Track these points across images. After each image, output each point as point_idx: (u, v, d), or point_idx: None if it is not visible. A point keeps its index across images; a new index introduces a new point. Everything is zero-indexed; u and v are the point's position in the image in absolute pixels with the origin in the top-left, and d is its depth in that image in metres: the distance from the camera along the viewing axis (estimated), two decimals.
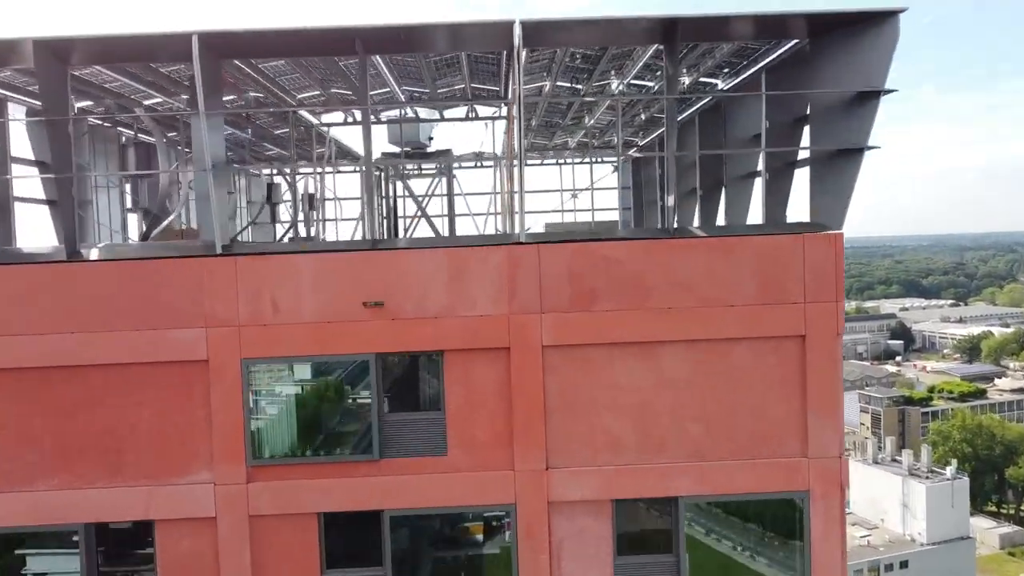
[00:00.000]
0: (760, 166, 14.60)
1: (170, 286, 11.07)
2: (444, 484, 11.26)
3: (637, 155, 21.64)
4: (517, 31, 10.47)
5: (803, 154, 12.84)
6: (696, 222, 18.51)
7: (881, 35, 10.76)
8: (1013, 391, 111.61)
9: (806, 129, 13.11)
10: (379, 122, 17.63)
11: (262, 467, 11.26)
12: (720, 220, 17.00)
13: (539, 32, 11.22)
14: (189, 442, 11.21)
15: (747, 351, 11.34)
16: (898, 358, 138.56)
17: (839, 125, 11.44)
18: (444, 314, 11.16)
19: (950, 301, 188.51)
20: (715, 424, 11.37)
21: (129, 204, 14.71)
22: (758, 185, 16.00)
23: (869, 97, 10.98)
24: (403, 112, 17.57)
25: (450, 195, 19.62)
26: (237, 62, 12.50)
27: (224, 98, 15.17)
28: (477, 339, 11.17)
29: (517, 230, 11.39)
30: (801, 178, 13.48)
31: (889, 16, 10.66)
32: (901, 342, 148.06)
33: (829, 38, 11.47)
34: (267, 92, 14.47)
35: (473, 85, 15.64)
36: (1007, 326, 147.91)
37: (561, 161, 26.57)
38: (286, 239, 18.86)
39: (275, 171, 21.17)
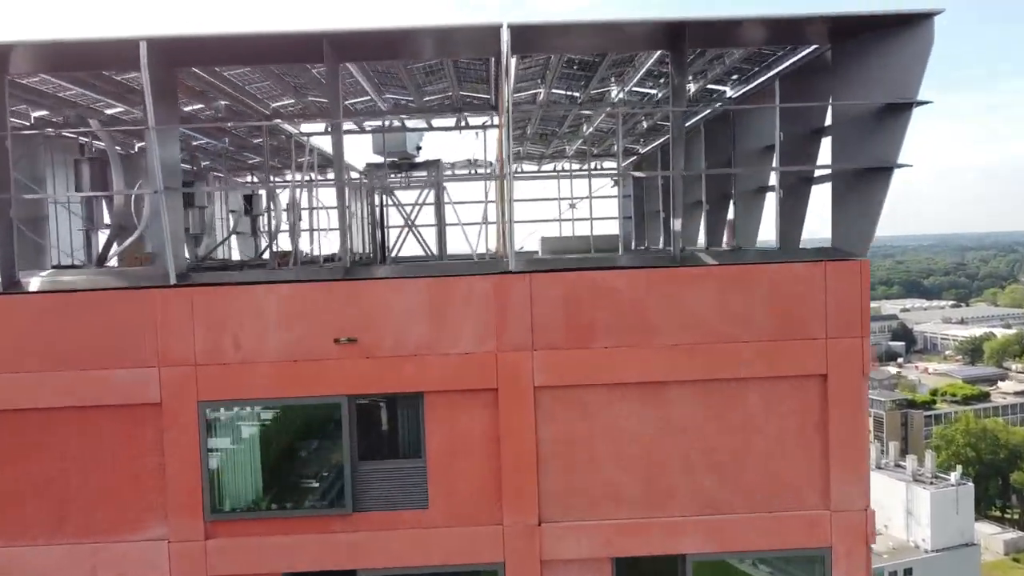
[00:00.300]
0: (773, 181, 13.47)
1: (118, 321, 9.91)
2: (424, 541, 10.09)
3: (639, 175, 20.46)
4: (505, 36, 9.31)
5: (822, 169, 11.69)
6: (701, 237, 17.37)
7: (914, 39, 9.59)
8: (1016, 394, 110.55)
9: (824, 141, 12.00)
10: (361, 131, 16.46)
11: (222, 522, 10.10)
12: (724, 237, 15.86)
13: (530, 37, 10.05)
14: (140, 494, 10.05)
15: (762, 392, 10.19)
16: (899, 359, 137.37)
17: (864, 139, 10.27)
18: (424, 351, 10.01)
19: (951, 302, 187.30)
20: (727, 473, 10.22)
21: (86, 224, 13.50)
22: (770, 199, 14.89)
23: (899, 109, 9.81)
24: (390, 121, 16.38)
25: (439, 206, 18.46)
26: (198, 70, 11.34)
27: (192, 107, 14.04)
28: (461, 379, 10.02)
29: (507, 256, 10.23)
30: (818, 194, 12.38)
31: (923, 18, 9.49)
32: (903, 343, 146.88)
33: (854, 43, 10.31)
34: (235, 101, 13.31)
35: (462, 93, 14.46)
36: (1008, 327, 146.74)
37: (559, 169, 25.44)
38: (267, 253, 17.73)
39: (253, 181, 20.03)
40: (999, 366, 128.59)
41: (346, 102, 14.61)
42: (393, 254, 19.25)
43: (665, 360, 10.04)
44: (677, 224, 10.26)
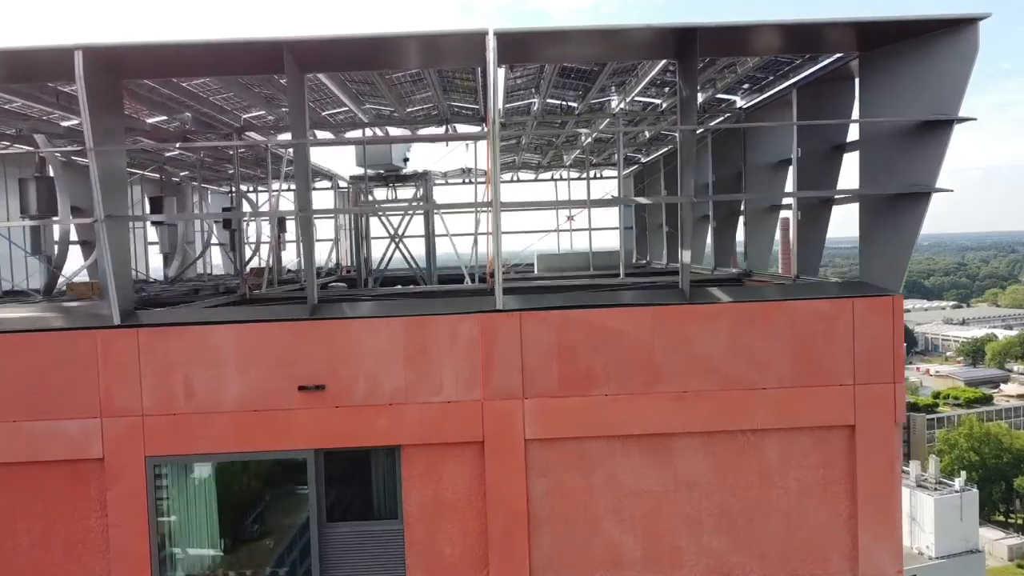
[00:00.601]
0: (788, 199, 12.34)
1: (55, 366, 8.75)
2: None
3: (642, 200, 19.29)
4: (491, 44, 8.15)
5: (847, 194, 10.55)
6: (708, 252, 16.22)
7: (955, 47, 8.44)
8: (1019, 397, 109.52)
9: (846, 158, 10.89)
10: (341, 143, 15.31)
11: None
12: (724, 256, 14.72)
13: (521, 45, 8.91)
14: (80, 560, 8.89)
15: (782, 445, 9.05)
16: None
17: (897, 159, 9.13)
18: (401, 400, 8.87)
19: (952, 302, 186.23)
20: (742, 536, 9.09)
21: (33, 249, 12.34)
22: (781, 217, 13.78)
23: (938, 126, 8.67)
24: (373, 132, 15.23)
25: (429, 219, 17.35)
26: (152, 82, 10.20)
27: (156, 119, 12.92)
28: (443, 431, 8.88)
29: (496, 289, 9.08)
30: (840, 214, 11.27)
31: (966, 24, 8.34)
32: (904, 344, 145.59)
33: (884, 52, 9.16)
34: (200, 114, 12.18)
35: (449, 103, 13.30)
36: (1010, 328, 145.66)
37: (557, 177, 24.35)
38: (248, 267, 16.64)
39: (232, 192, 18.88)
40: (1001, 368, 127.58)
41: (323, 112, 13.47)
42: (382, 267, 18.19)
43: (672, 409, 8.91)
44: (686, 256, 9.11)
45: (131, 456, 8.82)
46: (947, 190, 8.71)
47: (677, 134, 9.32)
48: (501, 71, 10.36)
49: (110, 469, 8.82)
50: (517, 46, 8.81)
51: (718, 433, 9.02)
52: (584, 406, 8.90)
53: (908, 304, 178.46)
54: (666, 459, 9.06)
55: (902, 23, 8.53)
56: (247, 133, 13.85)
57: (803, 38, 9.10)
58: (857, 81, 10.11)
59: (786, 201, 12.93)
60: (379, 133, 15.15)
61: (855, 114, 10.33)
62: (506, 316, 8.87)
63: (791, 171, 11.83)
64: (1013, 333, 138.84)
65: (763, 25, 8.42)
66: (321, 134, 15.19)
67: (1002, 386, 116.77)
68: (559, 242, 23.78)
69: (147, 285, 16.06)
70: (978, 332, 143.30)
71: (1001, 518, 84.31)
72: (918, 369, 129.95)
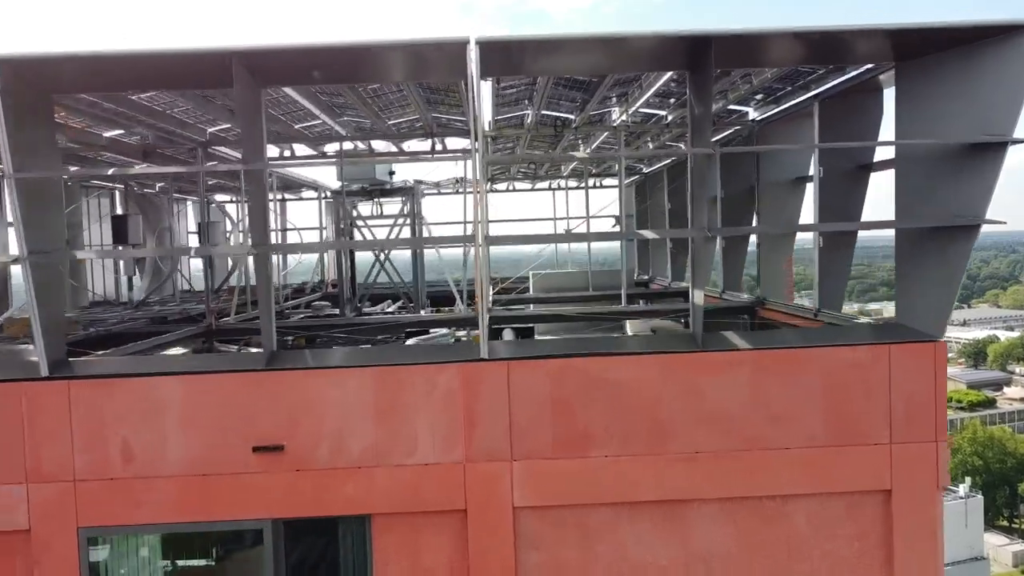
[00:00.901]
0: (805, 218, 11.22)
1: None
2: None
3: (649, 234, 18.15)
4: (473, 55, 7.02)
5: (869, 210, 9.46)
6: (715, 270, 15.09)
7: (1011, 56, 7.27)
8: (1023, 400, 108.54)
9: (872, 177, 9.79)
10: (315, 162, 14.20)
11: None
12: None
13: (508, 55, 7.77)
14: None
15: (809, 512, 7.91)
16: None
17: (939, 185, 8.00)
18: (371, 462, 7.73)
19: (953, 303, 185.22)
20: None
21: None
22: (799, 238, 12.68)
23: (988, 148, 7.53)
24: (354, 145, 14.11)
25: (417, 235, 16.27)
26: (91, 95, 9.06)
27: (113, 132, 11.79)
28: (419, 498, 7.75)
29: (481, 339, 7.95)
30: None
31: (1021, 31, 7.20)
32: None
33: (923, 62, 8.02)
34: (158, 130, 11.05)
35: (434, 115, 12.15)
36: (1011, 329, 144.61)
37: (555, 187, 23.26)
38: (225, 285, 15.58)
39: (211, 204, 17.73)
40: (1003, 370, 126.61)
41: (297, 126, 12.34)
42: (370, 280, 17.18)
43: (683, 472, 7.77)
44: (698, 296, 7.96)
45: (61, 527, 7.68)
46: (1000, 222, 7.57)
47: (688, 157, 8.16)
48: (487, 84, 9.25)
49: (37, 541, 7.68)
50: (504, 56, 7.67)
51: (736, 500, 7.88)
52: (581, 469, 7.76)
53: None
54: (677, 528, 7.92)
55: (946, 30, 7.38)
56: (215, 147, 12.71)
57: (833, 47, 7.95)
58: (889, 93, 8.97)
59: (802, 222, 11.86)
60: (360, 146, 14.01)
61: (884, 130, 9.23)
62: (492, 366, 7.72)
63: (810, 189, 10.72)
64: (1015, 334, 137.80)
65: (788, 33, 7.27)
66: (299, 147, 14.10)
67: (1005, 389, 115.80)
68: (556, 252, 22.76)
69: (111, 309, 14.95)
70: (979, 333, 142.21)
71: (1005, 523, 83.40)
72: None
